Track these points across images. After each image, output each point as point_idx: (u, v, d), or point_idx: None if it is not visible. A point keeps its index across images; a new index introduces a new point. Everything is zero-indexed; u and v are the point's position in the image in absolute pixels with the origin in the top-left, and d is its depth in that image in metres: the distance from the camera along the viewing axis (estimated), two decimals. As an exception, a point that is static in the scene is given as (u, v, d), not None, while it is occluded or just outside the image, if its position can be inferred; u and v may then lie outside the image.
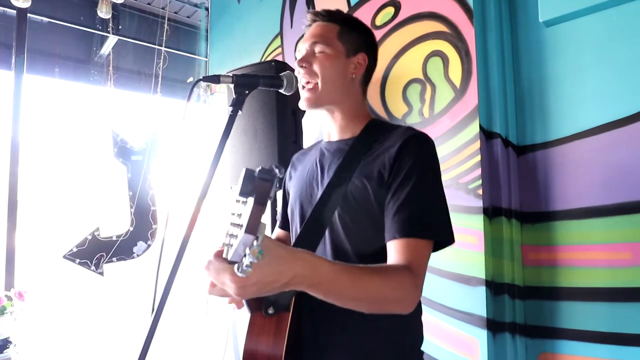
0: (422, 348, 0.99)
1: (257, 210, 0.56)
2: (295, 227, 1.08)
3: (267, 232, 0.62)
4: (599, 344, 1.41)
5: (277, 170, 0.60)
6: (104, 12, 2.58)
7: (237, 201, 0.62)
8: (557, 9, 1.51)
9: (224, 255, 0.68)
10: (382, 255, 0.88)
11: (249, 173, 0.60)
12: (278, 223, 1.24)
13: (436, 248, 0.89)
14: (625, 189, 1.38)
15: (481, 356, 1.49)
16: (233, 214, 0.65)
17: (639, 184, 1.36)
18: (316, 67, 0.99)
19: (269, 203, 0.60)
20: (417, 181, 0.87)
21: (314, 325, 0.92)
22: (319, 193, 0.98)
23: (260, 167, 0.60)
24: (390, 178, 0.89)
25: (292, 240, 1.10)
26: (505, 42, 1.66)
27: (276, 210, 1.89)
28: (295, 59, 1.04)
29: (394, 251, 0.84)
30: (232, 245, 0.61)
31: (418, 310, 0.98)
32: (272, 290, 0.66)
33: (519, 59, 1.66)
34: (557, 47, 1.57)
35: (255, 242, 0.55)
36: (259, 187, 0.58)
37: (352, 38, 1.02)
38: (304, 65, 1.00)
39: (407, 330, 0.96)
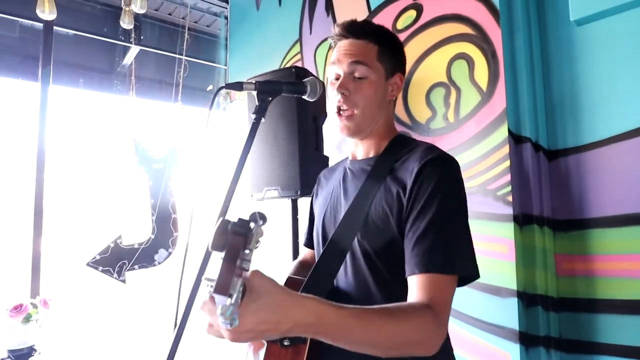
0: None
1: (226, 267, 0.52)
2: (318, 249, 1.05)
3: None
4: None
5: (253, 224, 0.55)
6: (126, 23, 2.62)
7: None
8: (589, 7, 1.45)
9: None
10: (405, 284, 0.81)
11: (223, 225, 0.55)
12: (303, 241, 1.21)
13: (460, 283, 0.82)
14: (669, 195, 1.31)
15: (513, 371, 1.42)
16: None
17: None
18: (358, 97, 0.92)
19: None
20: (438, 209, 0.80)
21: (333, 358, 0.86)
22: (340, 215, 0.95)
23: (237, 219, 0.56)
24: (408, 205, 0.83)
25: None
26: (533, 43, 1.60)
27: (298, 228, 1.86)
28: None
29: (415, 287, 0.78)
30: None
31: (449, 346, 0.92)
32: (270, 336, 0.61)
33: (549, 59, 1.60)
34: (589, 46, 1.50)
35: (228, 301, 0.51)
36: (230, 242, 0.54)
37: (391, 58, 0.96)
38: (344, 92, 0.93)
39: None
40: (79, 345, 2.45)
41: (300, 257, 1.20)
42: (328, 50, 2.25)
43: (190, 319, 0.78)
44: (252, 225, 0.56)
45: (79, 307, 2.56)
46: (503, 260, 1.49)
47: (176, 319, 0.81)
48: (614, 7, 1.41)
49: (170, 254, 2.84)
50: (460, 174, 0.87)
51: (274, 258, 2.47)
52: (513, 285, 1.45)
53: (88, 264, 2.59)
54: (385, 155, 0.95)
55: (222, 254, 0.54)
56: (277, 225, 2.20)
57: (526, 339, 1.44)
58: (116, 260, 2.67)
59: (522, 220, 1.51)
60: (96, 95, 2.90)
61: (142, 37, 2.98)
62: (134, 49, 2.92)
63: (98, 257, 2.62)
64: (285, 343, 0.82)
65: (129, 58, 2.95)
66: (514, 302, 1.44)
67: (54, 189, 2.53)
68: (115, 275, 2.65)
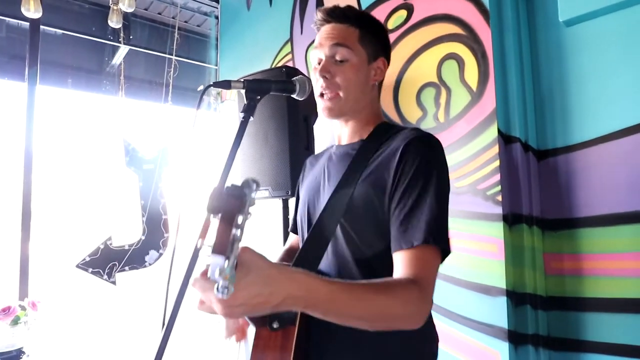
0: None
1: (222, 228, 0.53)
2: (303, 235, 1.05)
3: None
4: (627, 357, 1.34)
5: (247, 189, 0.56)
6: (114, 22, 2.60)
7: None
8: (577, 7, 1.46)
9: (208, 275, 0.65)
10: (388, 265, 0.83)
11: (219, 189, 0.56)
12: (290, 227, 1.21)
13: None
14: (655, 194, 1.32)
15: (503, 369, 1.43)
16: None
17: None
18: (339, 79, 0.93)
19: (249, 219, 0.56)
20: (423, 187, 0.82)
21: (323, 339, 0.88)
22: (324, 200, 0.95)
23: (231, 184, 0.57)
24: (394, 184, 0.85)
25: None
26: (523, 43, 1.61)
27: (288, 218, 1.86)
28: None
29: (401, 263, 0.80)
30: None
31: (430, 323, 0.94)
32: (262, 311, 0.62)
33: (538, 60, 1.61)
34: (578, 47, 1.51)
35: (226, 263, 0.51)
36: (225, 205, 0.55)
37: (373, 42, 0.97)
38: (325, 76, 0.93)
39: (420, 343, 0.91)
40: (68, 348, 2.43)
41: (287, 245, 1.20)
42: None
43: (179, 318, 0.77)
44: (245, 190, 0.56)
45: (69, 309, 2.53)
46: (492, 259, 1.49)
47: (164, 318, 0.81)
48: (602, 8, 1.43)
49: (161, 255, 2.82)
50: (444, 153, 0.89)
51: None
52: (502, 284, 1.46)
53: (78, 266, 2.56)
54: (370, 139, 0.95)
55: (218, 216, 0.55)
56: (267, 226, 2.19)
57: (515, 337, 1.45)
58: (106, 262, 2.64)
59: (512, 219, 1.52)
60: (85, 96, 2.87)
61: (131, 37, 2.95)
62: (123, 49, 2.89)
63: (88, 259, 2.59)
64: (275, 326, 0.81)
65: (118, 58, 2.92)
66: (503, 300, 1.45)
67: (43, 190, 2.50)
68: (106, 276, 2.62)
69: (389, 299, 0.71)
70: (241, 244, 0.57)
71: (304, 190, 1.09)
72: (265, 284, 0.59)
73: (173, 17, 3.06)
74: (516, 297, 1.48)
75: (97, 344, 2.51)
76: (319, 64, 0.96)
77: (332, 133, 1.10)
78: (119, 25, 2.65)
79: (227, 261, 0.51)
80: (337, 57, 0.94)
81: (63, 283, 2.56)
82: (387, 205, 0.85)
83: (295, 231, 1.17)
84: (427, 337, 0.93)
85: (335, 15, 0.96)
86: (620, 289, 1.36)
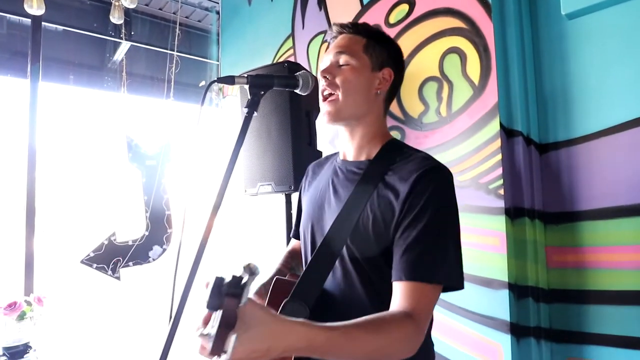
0: (444, 353, 0.96)
1: (222, 332, 0.56)
2: (306, 252, 1.05)
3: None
4: (628, 349, 1.35)
5: (246, 279, 0.57)
6: (116, 18, 2.60)
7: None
8: (580, 0, 1.46)
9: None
10: (392, 289, 0.84)
11: (218, 284, 0.58)
12: (292, 233, 1.22)
13: (444, 291, 0.85)
14: (657, 187, 1.33)
15: (505, 361, 1.44)
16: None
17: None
18: (339, 79, 0.95)
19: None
20: (429, 220, 0.83)
21: None
22: (329, 219, 0.96)
23: (232, 276, 0.58)
24: (401, 214, 0.85)
25: (303, 265, 1.08)
26: (525, 37, 1.60)
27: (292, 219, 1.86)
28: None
29: (399, 294, 0.81)
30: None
31: (429, 345, 0.96)
32: None
33: (541, 53, 1.61)
34: (580, 40, 1.51)
35: (224, 357, 0.55)
36: (225, 304, 0.57)
37: (379, 52, 0.99)
38: (326, 76, 0.96)
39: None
40: (74, 342, 2.45)
41: (289, 247, 1.21)
42: (321, 45, 2.25)
43: (185, 314, 0.78)
44: (245, 280, 0.58)
45: (74, 304, 2.55)
46: (495, 252, 1.50)
47: (170, 315, 0.82)
48: (604, 1, 1.42)
49: (164, 250, 2.84)
50: (453, 186, 0.90)
51: (268, 252, 2.48)
52: (504, 277, 1.47)
53: (82, 261, 2.58)
54: (378, 160, 0.96)
55: (218, 316, 0.58)
56: (271, 220, 2.21)
57: (517, 329, 1.47)
58: (110, 257, 2.66)
59: (514, 213, 1.52)
60: (87, 92, 2.87)
61: (132, 33, 2.95)
62: (125, 45, 2.89)
63: (92, 255, 2.61)
64: None
65: (120, 54, 2.92)
66: (505, 293, 1.46)
67: (47, 187, 2.51)
68: (110, 272, 2.64)
69: (385, 338, 0.74)
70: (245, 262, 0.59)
71: (307, 200, 1.09)
72: (264, 340, 0.62)
73: (174, 13, 3.06)
74: (518, 290, 1.49)
75: (102, 338, 2.54)
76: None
77: (335, 134, 1.10)
78: (121, 22, 2.65)
79: (224, 355, 0.55)
80: (340, 62, 0.97)
81: (68, 279, 2.58)
82: (392, 232, 0.86)
83: (296, 237, 1.18)
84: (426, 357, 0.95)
85: (346, 27, 1.01)
86: (622, 281, 1.37)
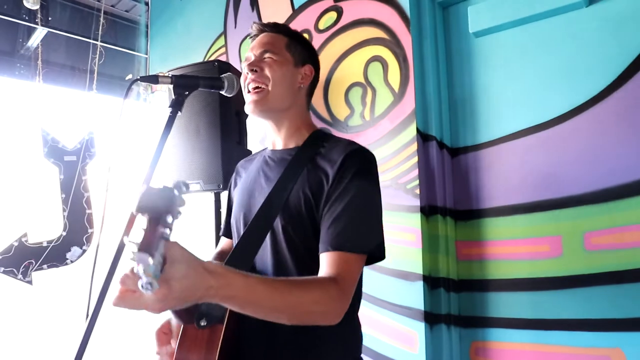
0: (365, 343, 1.03)
1: (150, 228, 0.55)
2: (238, 235, 1.07)
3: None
4: (523, 329, 1.52)
5: (177, 190, 0.58)
6: (30, 3, 2.40)
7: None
8: (485, 21, 1.63)
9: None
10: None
11: (148, 190, 0.58)
12: (222, 231, 1.23)
13: (367, 262, 0.92)
14: (541, 187, 1.52)
15: (420, 348, 1.57)
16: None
17: (552, 184, 1.51)
18: (267, 72, 1.00)
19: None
20: (354, 195, 0.89)
21: (250, 338, 0.91)
22: (261, 200, 0.99)
23: (162, 185, 0.59)
24: (330, 190, 0.91)
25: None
26: (439, 50, 1.76)
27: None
28: (240, 57, 1.05)
29: (325, 263, 0.86)
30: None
31: (356, 324, 1.01)
32: (187, 303, 0.65)
33: (452, 66, 1.77)
34: (485, 56, 1.69)
35: (151, 260, 0.53)
36: (154, 205, 0.56)
37: (300, 50, 1.06)
38: (254, 69, 1.00)
39: (346, 342, 0.97)
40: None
41: (218, 247, 1.22)
42: (253, 45, 2.26)
43: (102, 315, 0.77)
44: (175, 192, 0.58)
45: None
46: (411, 247, 1.63)
47: (87, 315, 0.80)
48: (506, 23, 1.61)
49: (84, 251, 2.68)
50: (377, 166, 0.98)
51: (197, 252, 2.44)
52: (419, 270, 1.59)
53: (-14, 265, 2.36)
54: (307, 146, 1.01)
55: (146, 216, 0.56)
56: (199, 219, 2.18)
57: (430, 317, 1.60)
58: (21, 260, 2.45)
59: (428, 211, 1.66)
60: (-5, 79, 2.62)
61: (50, 18, 2.74)
62: (41, 31, 2.68)
63: (-1, 257, 2.40)
64: (202, 324, 0.83)
65: (35, 40, 2.70)
66: (420, 285, 1.59)
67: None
68: (20, 276, 2.44)
69: (306, 293, 0.77)
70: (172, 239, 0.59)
71: (238, 193, 1.11)
72: (190, 277, 0.62)
73: (98, 1, 2.89)
74: (432, 282, 1.63)
75: (13, 346, 2.34)
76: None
77: (266, 136, 1.14)
78: (37, 7, 2.45)
79: (151, 259, 0.53)
80: (265, 57, 1.01)
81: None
82: (322, 209, 0.91)
83: (227, 235, 1.19)
84: (352, 343, 0.99)
85: (268, 27, 1.06)
86: (516, 270, 1.56)
